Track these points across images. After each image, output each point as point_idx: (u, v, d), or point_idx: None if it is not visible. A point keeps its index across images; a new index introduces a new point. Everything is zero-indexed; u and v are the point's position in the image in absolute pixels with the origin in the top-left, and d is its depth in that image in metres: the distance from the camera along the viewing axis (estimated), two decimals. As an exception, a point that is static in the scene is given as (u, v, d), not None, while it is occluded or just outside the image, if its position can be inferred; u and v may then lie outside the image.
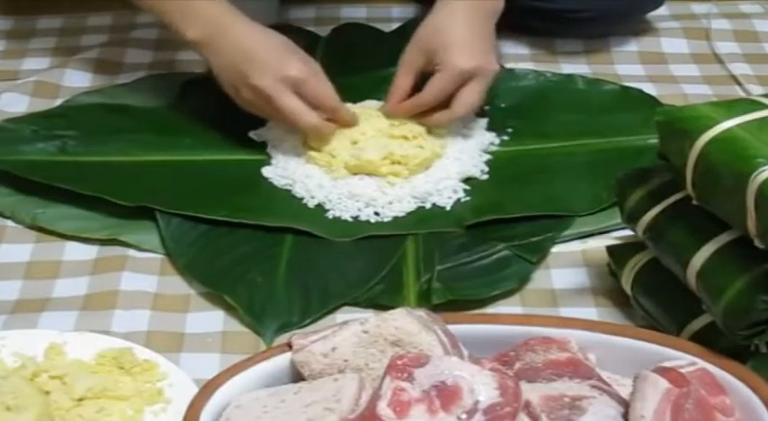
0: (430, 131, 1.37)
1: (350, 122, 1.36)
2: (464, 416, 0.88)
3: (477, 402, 0.88)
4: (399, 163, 1.33)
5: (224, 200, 1.32)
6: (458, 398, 0.89)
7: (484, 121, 1.42)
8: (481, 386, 0.89)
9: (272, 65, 1.31)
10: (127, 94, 1.50)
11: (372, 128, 1.36)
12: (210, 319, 1.18)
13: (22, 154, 1.37)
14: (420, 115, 1.37)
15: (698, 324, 1.06)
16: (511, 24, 1.52)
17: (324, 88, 1.34)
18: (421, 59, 1.36)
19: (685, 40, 1.65)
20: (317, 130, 1.34)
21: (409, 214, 1.30)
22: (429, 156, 1.35)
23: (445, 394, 0.89)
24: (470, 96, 1.34)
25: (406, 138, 1.35)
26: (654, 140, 1.12)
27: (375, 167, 1.32)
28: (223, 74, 1.34)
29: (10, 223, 1.31)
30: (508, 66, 1.53)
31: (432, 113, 1.36)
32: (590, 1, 1.58)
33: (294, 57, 1.33)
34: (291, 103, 1.31)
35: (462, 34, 1.34)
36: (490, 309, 1.18)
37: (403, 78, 1.37)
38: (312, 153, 1.35)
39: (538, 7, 1.57)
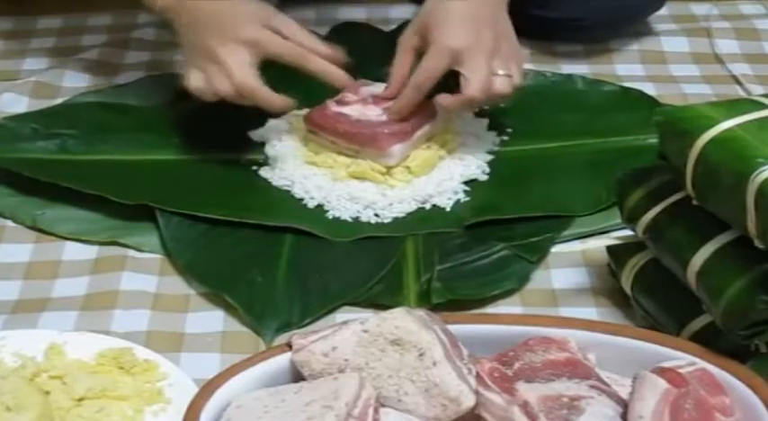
0: (434, 134, 1.37)
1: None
2: None
3: None
4: (408, 167, 1.33)
5: (224, 199, 1.32)
6: None
7: (484, 122, 1.42)
8: None
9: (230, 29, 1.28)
10: (126, 94, 1.50)
11: None
12: (210, 319, 1.18)
13: (22, 152, 1.37)
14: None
15: (698, 324, 1.06)
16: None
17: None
18: (416, 39, 1.32)
19: (685, 39, 1.65)
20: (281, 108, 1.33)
21: (409, 215, 1.30)
22: (433, 157, 1.34)
23: None
24: (476, 77, 1.28)
25: None
26: (654, 140, 1.12)
27: (377, 176, 1.32)
28: (185, 40, 1.32)
29: (10, 223, 1.31)
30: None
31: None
32: (590, 9, 1.57)
33: (252, 20, 1.30)
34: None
35: (458, 13, 1.29)
36: (490, 309, 1.18)
37: (400, 58, 1.33)
38: (312, 154, 1.35)
39: (538, 15, 1.56)
